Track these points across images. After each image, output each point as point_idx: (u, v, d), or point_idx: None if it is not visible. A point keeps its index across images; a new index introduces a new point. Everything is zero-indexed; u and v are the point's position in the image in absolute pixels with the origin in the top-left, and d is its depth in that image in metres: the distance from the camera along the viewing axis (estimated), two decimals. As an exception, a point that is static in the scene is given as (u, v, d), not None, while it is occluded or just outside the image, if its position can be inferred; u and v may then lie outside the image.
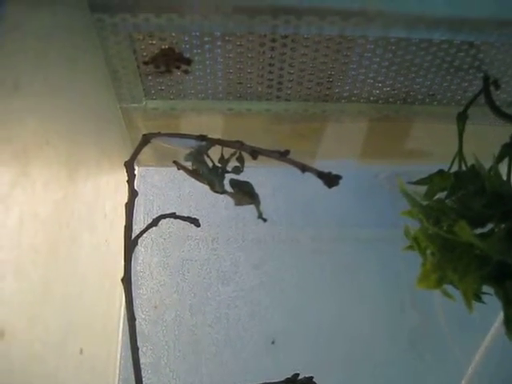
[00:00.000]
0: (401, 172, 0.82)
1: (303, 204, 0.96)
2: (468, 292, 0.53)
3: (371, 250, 0.96)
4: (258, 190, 0.56)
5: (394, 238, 0.68)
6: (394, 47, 0.68)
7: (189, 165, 0.59)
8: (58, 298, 0.50)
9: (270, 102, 0.77)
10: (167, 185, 0.94)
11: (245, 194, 0.57)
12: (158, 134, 0.60)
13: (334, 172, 0.45)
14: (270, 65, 0.70)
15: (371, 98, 0.77)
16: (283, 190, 0.93)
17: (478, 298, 0.57)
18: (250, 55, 0.68)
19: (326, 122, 0.80)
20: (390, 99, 0.78)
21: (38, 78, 0.44)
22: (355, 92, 0.76)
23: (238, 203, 0.57)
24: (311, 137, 0.82)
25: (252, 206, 0.56)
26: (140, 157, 0.60)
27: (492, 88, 0.72)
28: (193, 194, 0.94)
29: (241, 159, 0.58)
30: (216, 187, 0.58)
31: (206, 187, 0.58)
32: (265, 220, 0.56)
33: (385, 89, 0.76)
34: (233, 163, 0.58)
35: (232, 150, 0.57)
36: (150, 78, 0.72)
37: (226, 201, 0.58)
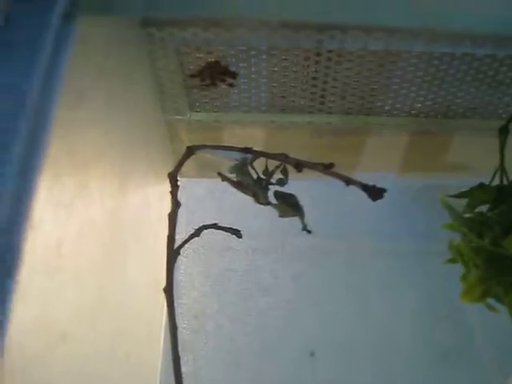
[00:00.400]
0: (440, 185, 0.83)
1: (342, 217, 0.96)
2: (514, 306, 0.53)
3: (410, 263, 0.95)
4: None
5: (430, 252, 0.68)
6: (437, 62, 0.68)
7: (233, 176, 0.59)
8: (111, 305, 0.51)
9: (313, 115, 0.77)
10: (208, 196, 0.95)
11: (289, 206, 0.57)
12: (203, 146, 0.60)
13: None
14: (314, 78, 0.71)
15: (412, 112, 0.77)
16: (323, 202, 0.93)
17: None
18: (294, 69, 0.69)
19: (367, 135, 0.81)
20: (432, 113, 0.78)
21: (99, 91, 0.46)
22: (397, 106, 0.76)
23: (283, 215, 0.58)
24: (351, 150, 0.83)
25: (291, 219, 0.56)
26: (183, 168, 0.59)
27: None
28: (233, 206, 0.93)
29: (285, 171, 0.58)
30: (260, 199, 0.58)
31: (246, 199, 0.59)
32: (309, 232, 0.56)
33: (426, 103, 0.76)
34: (277, 175, 0.58)
35: (276, 163, 0.57)
36: (195, 90, 0.73)
37: (266, 212, 0.58)
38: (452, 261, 0.63)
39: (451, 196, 0.65)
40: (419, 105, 0.76)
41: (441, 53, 0.67)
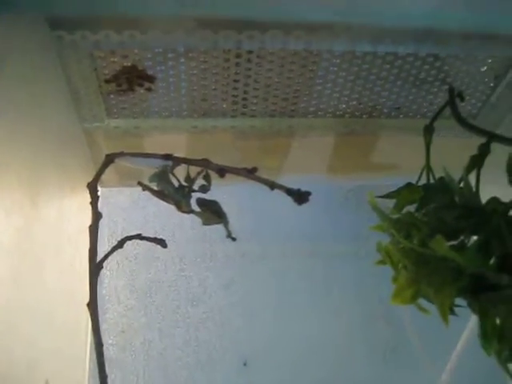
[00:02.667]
0: (369, 186, 0.82)
1: (271, 221, 0.95)
2: (444, 305, 0.53)
3: (342, 265, 0.96)
4: (224, 208, 0.56)
5: (363, 253, 0.67)
6: (359, 61, 0.68)
7: (154, 185, 0.58)
8: (23, 330, 0.48)
9: (236, 119, 0.76)
10: (131, 205, 0.93)
11: (212, 212, 0.57)
12: (122, 154, 0.59)
13: (303, 188, 0.47)
14: (235, 81, 0.69)
15: (337, 113, 0.77)
16: (250, 207, 0.93)
17: (451, 311, 0.57)
18: (214, 71, 0.68)
19: (292, 138, 0.80)
20: (356, 113, 0.78)
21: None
22: (321, 107, 0.76)
23: (206, 223, 0.57)
24: (278, 153, 0.82)
25: (219, 225, 0.56)
26: (103, 177, 0.59)
27: (457, 100, 0.73)
28: (158, 215, 0.92)
29: (207, 177, 0.57)
30: (183, 207, 0.57)
31: (172, 207, 0.58)
32: (234, 239, 0.56)
33: (351, 103, 0.76)
34: (199, 182, 0.58)
35: (198, 169, 0.57)
36: (112, 96, 0.71)
37: (192, 220, 0.57)
38: (382, 262, 0.63)
39: (379, 197, 0.64)
40: (344, 105, 0.76)
41: (363, 52, 0.67)
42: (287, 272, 0.96)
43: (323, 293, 0.96)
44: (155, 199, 0.59)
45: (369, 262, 0.66)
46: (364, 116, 0.78)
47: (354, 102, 0.76)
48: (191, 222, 0.88)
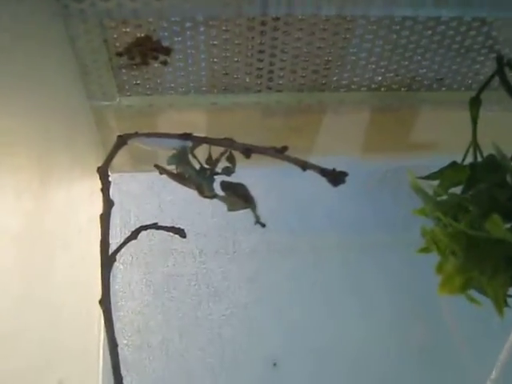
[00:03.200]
0: (408, 167, 0.81)
1: (300, 207, 0.94)
2: (499, 295, 0.52)
3: (379, 256, 0.95)
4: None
5: (401, 241, 0.66)
6: (398, 27, 0.67)
7: (172, 168, 0.58)
8: (33, 328, 0.48)
9: (260, 94, 0.75)
10: (145, 192, 0.92)
11: (239, 197, 0.56)
12: (136, 135, 0.58)
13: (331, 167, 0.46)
14: (260, 52, 0.68)
15: (373, 86, 0.76)
16: (279, 192, 0.91)
17: (505, 302, 0.56)
18: (236, 42, 0.67)
19: (323, 114, 0.79)
20: (394, 86, 0.77)
21: (3, 76, 0.43)
22: (355, 80, 0.75)
23: (232, 208, 0.57)
24: (307, 131, 0.81)
25: (243, 213, 0.56)
26: (114, 161, 0.58)
27: (507, 69, 0.72)
28: (175, 202, 0.92)
29: (232, 159, 0.57)
30: (205, 191, 0.57)
31: (191, 193, 0.58)
32: (263, 225, 0.55)
33: (388, 74, 0.75)
34: (222, 163, 0.58)
35: (221, 149, 0.56)
36: (124, 71, 0.70)
37: (213, 208, 0.56)
38: (426, 250, 0.62)
39: (420, 178, 0.64)
40: (380, 77, 0.75)
41: (402, 17, 0.65)
42: (318, 265, 0.95)
43: (360, 287, 0.96)
44: (171, 186, 0.59)
45: (408, 251, 0.65)
46: (402, 89, 0.77)
47: (391, 74, 0.75)
48: (212, 209, 0.89)
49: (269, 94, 0.76)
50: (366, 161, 0.87)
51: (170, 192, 0.91)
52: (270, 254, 0.94)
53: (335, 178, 0.46)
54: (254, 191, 0.56)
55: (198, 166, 0.57)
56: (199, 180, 0.57)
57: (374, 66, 0.73)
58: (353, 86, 0.76)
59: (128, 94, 0.74)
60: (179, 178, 0.58)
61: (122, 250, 0.57)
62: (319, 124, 0.80)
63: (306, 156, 0.49)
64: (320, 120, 0.80)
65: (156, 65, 0.69)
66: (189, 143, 0.56)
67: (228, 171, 0.58)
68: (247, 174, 0.58)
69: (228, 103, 0.76)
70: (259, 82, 0.74)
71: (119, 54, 0.68)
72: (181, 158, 0.57)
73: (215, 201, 0.57)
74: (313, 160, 0.48)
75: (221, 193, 0.57)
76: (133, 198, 0.92)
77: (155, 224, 0.60)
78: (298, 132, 0.81)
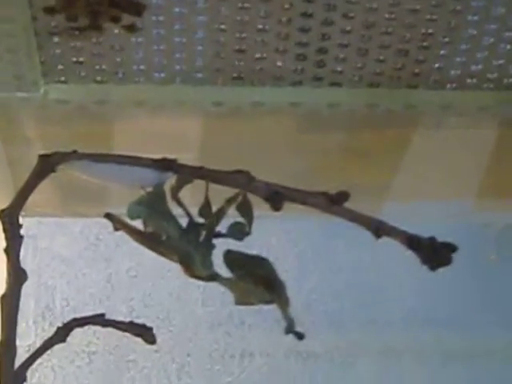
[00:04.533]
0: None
1: (362, 292, 0.85)
2: None
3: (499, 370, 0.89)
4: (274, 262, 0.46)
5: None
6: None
7: (139, 223, 0.50)
8: None
9: (301, 89, 0.64)
10: (84, 252, 0.88)
11: (257, 282, 0.49)
12: (73, 155, 0.50)
13: (436, 233, 0.39)
14: (305, 15, 0.56)
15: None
16: (328, 265, 0.81)
17: None
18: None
19: (408, 126, 0.67)
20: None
21: None
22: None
23: (243, 300, 0.49)
24: (376, 155, 0.69)
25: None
26: (33, 199, 0.50)
27: None
28: (135, 273, 0.85)
29: (247, 209, 0.49)
30: (196, 266, 0.50)
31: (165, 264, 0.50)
32: (301, 337, 0.44)
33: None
34: (228, 217, 0.49)
35: (227, 191, 0.48)
36: (56, 41, 0.61)
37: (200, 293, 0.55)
38: None
39: None
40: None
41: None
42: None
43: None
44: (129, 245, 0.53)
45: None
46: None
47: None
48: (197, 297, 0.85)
49: (316, 89, 0.65)
50: (478, 212, 0.77)
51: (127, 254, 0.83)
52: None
53: (435, 254, 0.39)
54: (283, 260, 0.64)
55: (184, 221, 0.49)
56: (185, 246, 0.50)
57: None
58: (468, 81, 0.66)
59: (61, 80, 0.66)
60: (150, 239, 0.51)
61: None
62: (403, 144, 0.69)
63: (377, 202, 0.50)
64: (400, 137, 0.69)
65: (116, 31, 0.61)
66: (169, 177, 0.49)
67: (239, 232, 0.49)
68: (268, 229, 0.61)
69: (239, 102, 0.67)
70: (300, 68, 0.62)
71: (49, 11, 0.60)
72: (154, 204, 0.50)
73: (209, 286, 0.54)
74: (389, 208, 0.48)
75: (224, 271, 0.48)
76: (60, 261, 0.84)
77: (101, 315, 0.52)
78: (360, 157, 0.70)
